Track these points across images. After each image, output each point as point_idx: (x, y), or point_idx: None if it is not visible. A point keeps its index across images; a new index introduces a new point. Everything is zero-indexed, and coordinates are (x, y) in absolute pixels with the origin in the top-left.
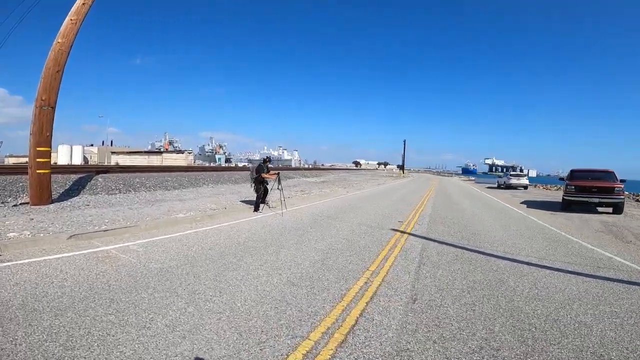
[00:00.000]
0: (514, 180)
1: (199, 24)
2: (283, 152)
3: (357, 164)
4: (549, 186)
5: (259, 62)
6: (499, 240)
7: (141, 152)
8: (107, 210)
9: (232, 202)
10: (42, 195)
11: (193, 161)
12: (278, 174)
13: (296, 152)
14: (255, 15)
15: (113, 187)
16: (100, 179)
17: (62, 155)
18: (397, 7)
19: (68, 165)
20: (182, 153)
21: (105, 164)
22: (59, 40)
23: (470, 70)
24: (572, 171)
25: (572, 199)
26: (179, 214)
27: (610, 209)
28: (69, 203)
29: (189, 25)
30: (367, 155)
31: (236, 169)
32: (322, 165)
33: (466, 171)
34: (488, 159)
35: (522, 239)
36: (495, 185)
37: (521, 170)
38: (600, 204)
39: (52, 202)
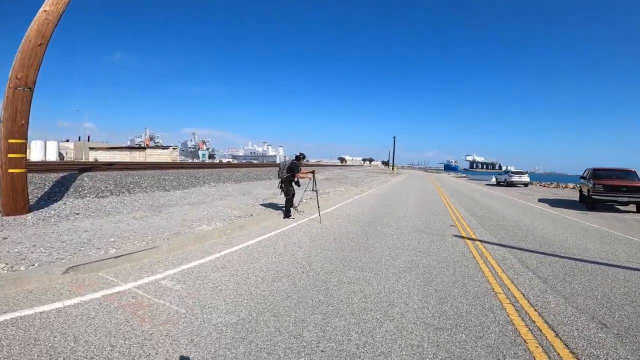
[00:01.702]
0: (515, 178)
1: (181, 20)
2: (268, 148)
3: (342, 160)
4: (545, 183)
5: (244, 60)
6: (568, 244)
7: (122, 147)
8: (105, 222)
9: (251, 205)
10: (17, 203)
11: (178, 157)
12: (313, 172)
13: (281, 148)
14: (241, 13)
15: (103, 189)
16: (86, 179)
17: (35, 151)
18: (384, 6)
19: (44, 162)
20: (167, 149)
21: (83, 160)
22: (46, 9)
23: (454, 73)
24: (594, 170)
25: (601, 198)
26: (201, 225)
27: (634, 208)
28: (52, 211)
29: (171, 21)
30: (351, 152)
31: (233, 165)
32: (308, 161)
33: (448, 167)
34: (469, 155)
35: (589, 242)
36: (494, 183)
37: (500, 167)
38: (629, 203)
39: (30, 210)
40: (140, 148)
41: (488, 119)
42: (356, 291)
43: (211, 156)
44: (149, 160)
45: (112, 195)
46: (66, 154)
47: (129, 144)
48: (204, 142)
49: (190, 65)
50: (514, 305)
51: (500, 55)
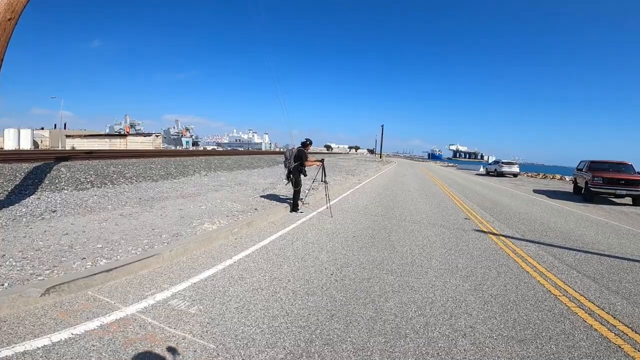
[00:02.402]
0: (505, 168)
1: (161, 5)
2: (253, 136)
3: (328, 147)
4: (531, 174)
5: (228, 47)
6: (589, 239)
7: (101, 135)
8: (88, 221)
9: (251, 197)
10: None
11: (161, 145)
12: (322, 160)
13: (267, 136)
14: None
15: (83, 180)
16: (63, 169)
17: (9, 139)
18: None
19: (17, 150)
20: (149, 136)
21: (60, 148)
22: None
23: (439, 64)
24: (591, 162)
25: (599, 190)
26: (203, 223)
27: (629, 200)
28: (24, 209)
29: (151, 7)
30: (337, 139)
31: (222, 153)
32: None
33: (432, 156)
34: (452, 145)
35: (609, 237)
36: (484, 172)
37: (482, 157)
38: (626, 196)
39: None
40: (120, 135)
41: (470, 110)
42: (406, 302)
43: (195, 143)
44: (130, 148)
45: (94, 187)
46: (41, 142)
47: (107, 131)
48: (187, 130)
49: (172, 51)
50: (582, 309)
51: (482, 48)
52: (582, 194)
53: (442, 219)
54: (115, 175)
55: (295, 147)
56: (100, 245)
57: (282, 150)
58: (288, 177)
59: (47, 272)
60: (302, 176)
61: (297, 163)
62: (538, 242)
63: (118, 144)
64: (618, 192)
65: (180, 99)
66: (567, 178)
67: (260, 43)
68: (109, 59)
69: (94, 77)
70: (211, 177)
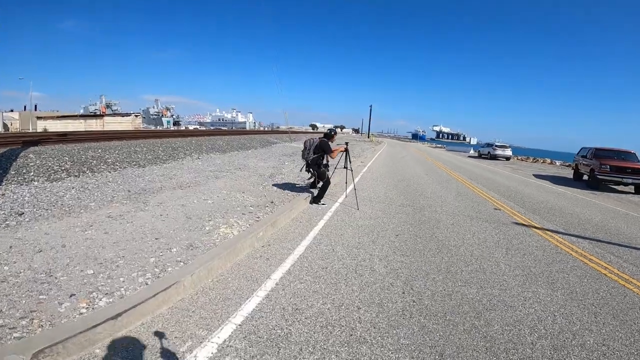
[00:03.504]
0: (499, 151)
1: None
2: (237, 115)
3: (313, 126)
4: (521, 157)
5: (208, 23)
6: (630, 233)
7: (75, 116)
8: (68, 228)
9: (259, 186)
10: None
11: (141, 125)
12: (347, 145)
13: (251, 115)
14: None
15: (56, 168)
16: (32, 155)
17: None
18: None
19: None
20: (128, 116)
21: (31, 131)
22: None
23: (425, 45)
24: (596, 150)
25: (606, 178)
26: (217, 226)
27: (631, 189)
28: None
29: None
30: (322, 119)
31: (212, 133)
32: (279, 127)
33: (416, 136)
34: (436, 126)
35: (631, 227)
36: (476, 155)
37: (464, 138)
38: (632, 184)
39: None
40: (96, 116)
41: (454, 92)
42: (512, 323)
43: (176, 123)
44: (107, 129)
45: (70, 176)
46: (11, 125)
47: (82, 112)
48: (167, 109)
49: (150, 30)
50: None
51: (465, 33)
52: (586, 181)
53: (473, 210)
54: (94, 161)
55: (316, 139)
56: (92, 271)
57: (266, 129)
58: (308, 170)
59: (24, 322)
60: (322, 168)
61: (316, 155)
62: (585, 237)
63: (94, 125)
64: (625, 180)
65: (159, 78)
66: (558, 162)
67: (250, 24)
68: (82, 39)
69: (67, 58)
70: (205, 161)
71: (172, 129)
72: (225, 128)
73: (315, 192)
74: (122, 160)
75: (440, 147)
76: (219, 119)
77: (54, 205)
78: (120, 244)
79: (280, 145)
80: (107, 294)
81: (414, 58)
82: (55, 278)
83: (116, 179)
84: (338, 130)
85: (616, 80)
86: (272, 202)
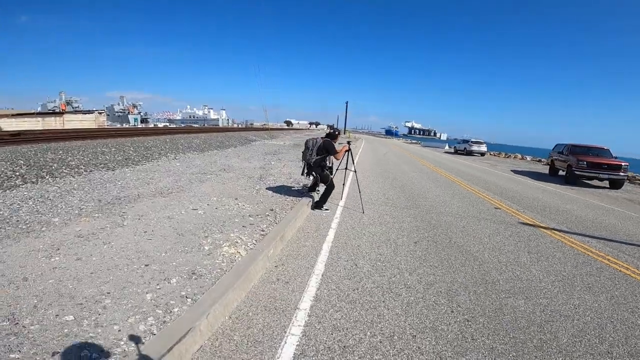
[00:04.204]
0: (475, 147)
1: None
2: (209, 112)
3: (288, 123)
4: (494, 152)
5: (177, 17)
6: (624, 229)
7: (32, 113)
8: (27, 251)
9: (253, 190)
10: None
11: (105, 123)
12: (349, 144)
13: (223, 112)
14: None
15: (9, 174)
16: None
17: None
18: None
19: None
20: (91, 113)
21: None
22: None
23: (395, 42)
24: (572, 146)
25: (583, 173)
26: (221, 245)
27: (607, 184)
28: None
29: None
30: (296, 115)
31: (187, 131)
32: (252, 124)
33: (389, 132)
34: (408, 122)
35: (633, 226)
36: (452, 151)
37: (435, 134)
38: (607, 180)
39: None
40: (56, 114)
41: (423, 88)
42: (575, 333)
43: (144, 120)
44: (68, 127)
45: (26, 183)
46: None
47: (39, 109)
48: (134, 106)
49: (114, 24)
50: None
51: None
52: (563, 177)
53: (475, 210)
54: (55, 165)
55: (319, 139)
56: (72, 316)
57: (240, 126)
58: (309, 173)
59: None
60: (326, 170)
61: (319, 157)
62: (592, 236)
63: (53, 123)
64: (601, 175)
65: (124, 74)
66: (528, 158)
67: (220, 20)
68: (38, 35)
69: (23, 53)
70: (184, 161)
71: (141, 126)
72: (197, 125)
73: (316, 196)
74: (87, 162)
75: (416, 143)
76: (190, 116)
77: (7, 222)
78: (101, 274)
79: (259, 143)
80: (102, 351)
81: (386, 56)
82: (24, 327)
83: (82, 186)
84: (313, 126)
85: (574, 79)
86: (272, 210)
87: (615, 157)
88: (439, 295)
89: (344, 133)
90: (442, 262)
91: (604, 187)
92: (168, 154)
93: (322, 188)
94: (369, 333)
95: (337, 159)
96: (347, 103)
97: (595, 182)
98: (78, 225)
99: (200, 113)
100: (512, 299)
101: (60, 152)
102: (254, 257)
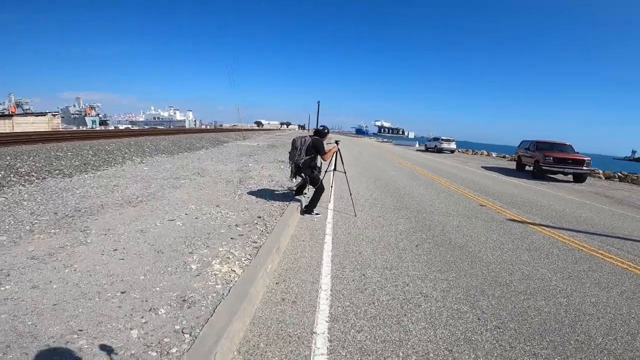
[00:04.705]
0: (445, 145)
1: None
2: (175, 113)
3: (258, 123)
4: (462, 150)
5: (139, 13)
6: (603, 223)
7: None
8: None
9: (235, 195)
10: None
11: (60, 125)
12: (337, 143)
13: (190, 113)
14: None
15: None
16: None
17: None
18: None
19: None
20: (44, 115)
21: None
22: None
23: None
24: (537, 142)
25: (550, 168)
26: (211, 262)
27: (570, 178)
28: None
29: None
30: (266, 116)
31: (154, 132)
32: (221, 125)
33: (359, 132)
34: (378, 121)
35: (608, 219)
36: (423, 148)
37: (403, 132)
38: (571, 174)
39: None
40: (4, 116)
41: (392, 88)
42: (606, 332)
43: (103, 123)
44: (18, 130)
45: None
46: None
47: None
48: (92, 107)
49: (68, 22)
50: None
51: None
52: (531, 172)
53: (463, 208)
54: (1, 172)
55: (307, 137)
56: None
57: (208, 127)
58: (297, 174)
59: None
60: (315, 171)
61: (309, 157)
62: (577, 231)
63: (2, 127)
64: (566, 170)
65: (81, 74)
66: (494, 154)
67: (185, 17)
68: None
69: None
70: (152, 165)
71: (99, 128)
72: (162, 127)
73: (303, 200)
74: (40, 168)
75: (387, 142)
76: (155, 118)
77: None
78: (67, 305)
79: (232, 144)
80: None
81: (356, 55)
82: None
83: (35, 196)
84: (284, 127)
85: (534, 79)
86: (260, 218)
87: (577, 153)
88: (460, 302)
89: None
90: (450, 266)
91: (569, 181)
92: (133, 158)
93: (309, 191)
94: (401, 354)
95: (325, 160)
96: (318, 103)
97: (559, 177)
98: (31, 244)
99: (165, 114)
100: (532, 301)
101: (8, 157)
102: (253, 275)
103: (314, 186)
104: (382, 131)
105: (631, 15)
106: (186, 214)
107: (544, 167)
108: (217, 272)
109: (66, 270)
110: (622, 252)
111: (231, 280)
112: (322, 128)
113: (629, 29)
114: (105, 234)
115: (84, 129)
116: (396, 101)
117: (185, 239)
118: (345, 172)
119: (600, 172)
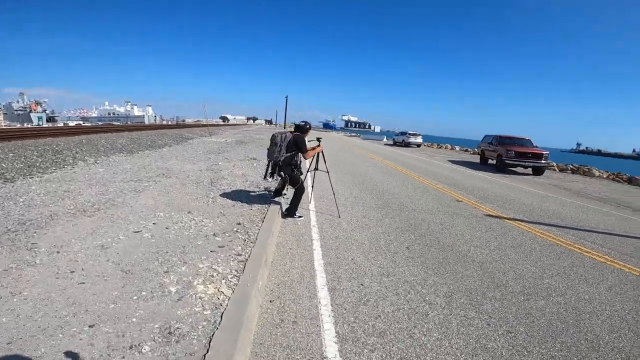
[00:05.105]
0: (412, 139)
1: None
2: (132, 108)
3: (224, 119)
4: (427, 143)
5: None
6: (571, 216)
7: None
8: None
9: (209, 198)
10: None
11: (2, 122)
12: (319, 140)
13: (150, 108)
14: None
15: None
16: None
17: None
18: None
19: None
20: None
21: None
22: None
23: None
24: (500, 137)
25: (511, 162)
26: (192, 282)
27: (529, 170)
28: None
29: None
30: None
31: (108, 129)
32: (184, 121)
33: (327, 126)
34: (345, 115)
35: (577, 212)
36: (391, 142)
37: (370, 127)
38: (531, 167)
39: None
40: None
41: (358, 82)
42: (613, 329)
43: (51, 119)
44: None
45: None
46: None
47: None
48: (38, 103)
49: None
50: None
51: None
52: (494, 165)
53: (441, 204)
54: None
55: (287, 133)
56: None
57: (169, 122)
58: (273, 173)
59: None
60: (296, 170)
61: (289, 154)
62: (550, 225)
63: None
64: (526, 163)
65: (25, 68)
66: (457, 148)
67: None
68: None
69: None
70: (109, 166)
71: (46, 125)
72: (118, 123)
73: (283, 201)
74: None
75: (355, 136)
76: (110, 113)
77: None
78: (24, 345)
79: (198, 140)
80: None
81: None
82: None
83: None
84: (250, 121)
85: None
86: (239, 224)
87: (536, 147)
88: (464, 308)
89: (284, 128)
90: (445, 268)
91: (528, 174)
92: (86, 158)
93: (289, 192)
94: None
95: (306, 158)
96: (286, 98)
97: (519, 170)
98: None
99: (121, 110)
100: (532, 301)
101: None
102: (244, 295)
103: (294, 186)
104: (349, 125)
105: (574, 14)
106: (154, 223)
107: (506, 161)
108: (202, 295)
109: (15, 300)
110: (595, 245)
111: (220, 304)
112: (303, 123)
113: (572, 26)
114: (58, 252)
115: (29, 126)
116: (363, 96)
117: (157, 254)
118: (328, 172)
119: (555, 164)
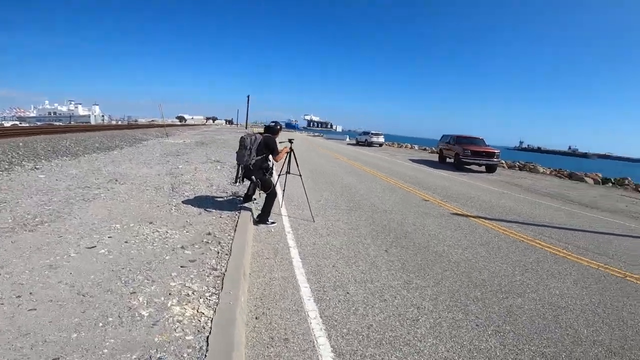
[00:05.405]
0: (374, 139)
1: None
2: (77, 107)
3: (181, 118)
4: (389, 142)
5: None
6: (527, 212)
7: None
8: None
9: (171, 207)
10: None
11: None
12: (291, 142)
13: (96, 107)
14: None
15: None
16: None
17: None
18: None
19: None
20: None
21: None
22: None
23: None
24: (457, 137)
25: (467, 160)
26: (167, 304)
27: (483, 168)
28: None
29: None
30: (189, 110)
31: (47, 130)
32: (136, 121)
33: (289, 126)
34: (307, 115)
35: (528, 207)
36: (354, 142)
37: (332, 126)
38: (485, 165)
39: None
40: None
41: (319, 82)
42: (618, 328)
43: None
44: None
45: None
46: None
47: None
48: None
49: None
50: None
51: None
52: (452, 164)
53: (410, 204)
54: None
55: (255, 135)
56: None
57: (119, 122)
58: (243, 177)
59: None
60: (267, 174)
61: (260, 157)
62: (510, 221)
63: None
64: (481, 161)
65: None
66: (416, 147)
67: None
68: None
69: None
70: (51, 172)
71: None
72: (60, 123)
73: (253, 207)
74: None
75: (319, 136)
76: (51, 113)
77: None
78: None
79: (153, 142)
80: None
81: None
82: None
83: None
84: (210, 121)
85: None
86: (209, 234)
87: (488, 146)
88: (452, 310)
89: (246, 127)
90: (425, 270)
91: (482, 172)
92: (23, 163)
93: (260, 197)
94: None
95: (277, 161)
96: (248, 97)
97: (474, 167)
98: None
99: (64, 109)
100: (510, 299)
101: None
102: (228, 315)
103: (265, 191)
104: (311, 125)
105: (519, 15)
106: (110, 237)
107: (463, 160)
108: (180, 318)
109: None
110: (553, 240)
111: (203, 327)
112: (273, 124)
113: (520, 26)
114: None
115: None
116: (325, 96)
117: (119, 273)
118: (300, 175)
119: (504, 162)
